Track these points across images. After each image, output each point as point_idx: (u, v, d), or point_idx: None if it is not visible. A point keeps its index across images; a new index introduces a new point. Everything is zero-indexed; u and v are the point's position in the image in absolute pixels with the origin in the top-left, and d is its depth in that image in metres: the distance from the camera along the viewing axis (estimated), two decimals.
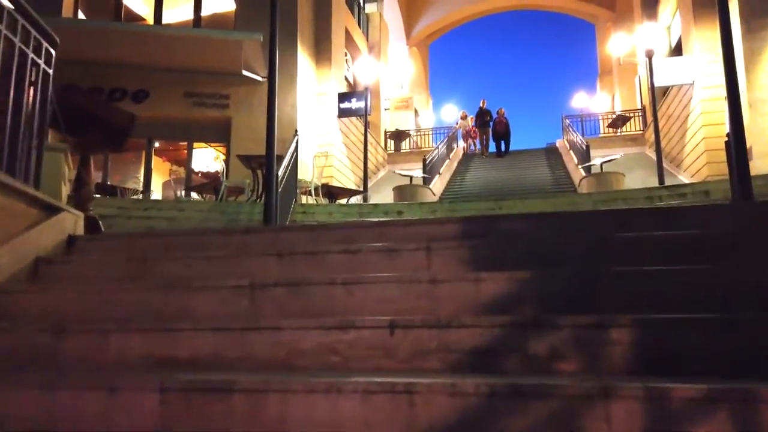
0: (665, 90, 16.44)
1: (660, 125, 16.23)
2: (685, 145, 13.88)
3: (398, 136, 21.07)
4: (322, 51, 15.04)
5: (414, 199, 11.90)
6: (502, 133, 17.97)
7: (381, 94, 20.33)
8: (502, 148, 17.96)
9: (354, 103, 14.71)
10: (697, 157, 12.97)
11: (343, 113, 14.84)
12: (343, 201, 11.88)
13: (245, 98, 13.37)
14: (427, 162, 13.32)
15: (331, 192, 11.38)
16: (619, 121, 19.05)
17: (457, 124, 20.20)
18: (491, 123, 17.77)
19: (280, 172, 6.94)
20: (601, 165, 11.39)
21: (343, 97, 14.85)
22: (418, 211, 8.65)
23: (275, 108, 5.94)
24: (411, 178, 12.18)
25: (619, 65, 20.91)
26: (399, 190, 12.06)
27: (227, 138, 13.17)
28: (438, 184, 13.88)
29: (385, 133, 20.63)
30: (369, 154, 18.22)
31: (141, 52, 12.27)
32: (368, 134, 18.53)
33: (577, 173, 13.36)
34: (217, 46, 12.06)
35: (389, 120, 24.56)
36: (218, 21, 14.81)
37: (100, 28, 12.34)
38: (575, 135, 14.90)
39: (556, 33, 54.81)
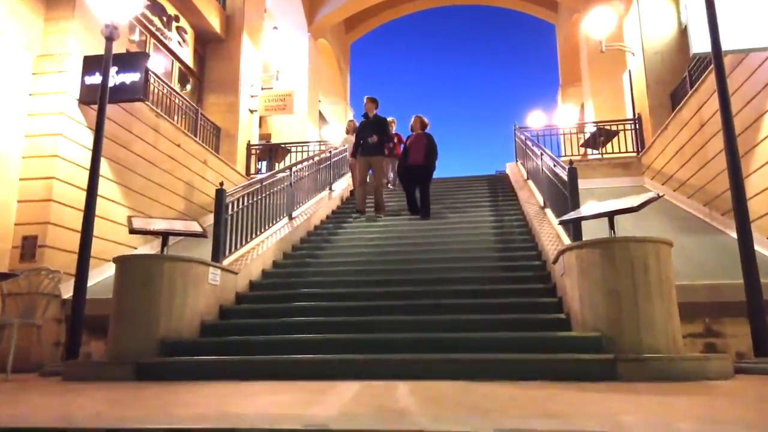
0: (692, 67, 9.90)
1: (684, 138, 9.46)
2: (750, 174, 7.16)
3: (272, 152, 13.87)
4: None
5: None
6: (420, 168, 8.89)
7: (241, 87, 13.14)
8: (419, 198, 8.93)
9: (119, 77, 7.40)
10: None
11: (89, 95, 7.46)
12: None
13: None
14: (232, 202, 6.08)
15: None
16: (601, 136, 12.45)
17: (343, 138, 12.73)
18: (398, 145, 10.00)
19: None
20: (611, 217, 4.45)
21: (92, 65, 7.48)
22: None
23: None
24: (163, 237, 4.94)
25: (597, 57, 14.49)
26: (124, 272, 4.79)
27: None
28: (264, 251, 6.61)
29: (249, 147, 13.39)
30: (204, 183, 10.96)
31: None
32: (215, 154, 11.23)
33: (548, 231, 6.40)
34: None
35: (275, 127, 17.47)
36: None
37: None
38: (539, 155, 8.02)
39: (509, 43, 48.84)
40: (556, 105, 23.53)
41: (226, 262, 6.01)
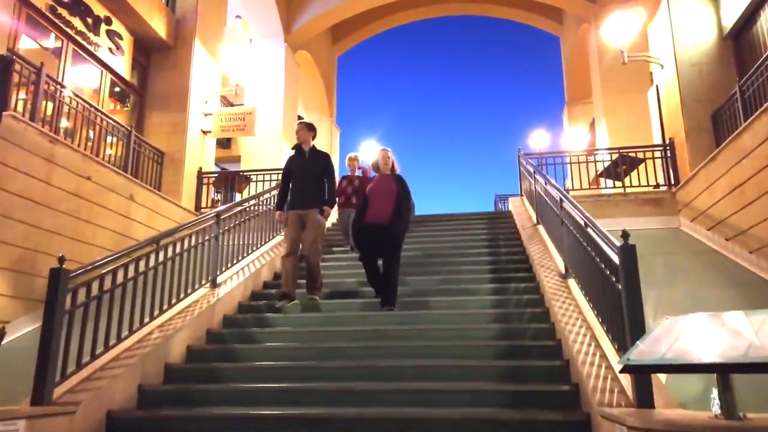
0: (743, 82, 7.72)
1: (744, 173, 6.92)
2: None
3: (227, 182, 11.64)
4: None
5: None
6: (385, 230, 5.57)
7: (191, 104, 10.94)
8: (386, 277, 5.64)
9: None
10: None
11: None
12: None
13: None
14: (90, 281, 3.83)
15: None
16: (624, 164, 10.24)
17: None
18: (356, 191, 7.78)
19: None
20: (726, 377, 2.24)
21: None
22: None
23: None
24: None
25: (611, 71, 12.38)
26: None
27: None
28: (148, 352, 4.34)
29: (200, 175, 11.14)
30: (129, 224, 8.67)
31: None
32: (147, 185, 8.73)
33: (578, 332, 4.14)
34: None
35: (246, 149, 15.38)
36: None
37: None
38: (558, 201, 5.74)
39: (508, 56, 46.69)
40: (560, 123, 21.44)
41: (66, 387, 3.75)
